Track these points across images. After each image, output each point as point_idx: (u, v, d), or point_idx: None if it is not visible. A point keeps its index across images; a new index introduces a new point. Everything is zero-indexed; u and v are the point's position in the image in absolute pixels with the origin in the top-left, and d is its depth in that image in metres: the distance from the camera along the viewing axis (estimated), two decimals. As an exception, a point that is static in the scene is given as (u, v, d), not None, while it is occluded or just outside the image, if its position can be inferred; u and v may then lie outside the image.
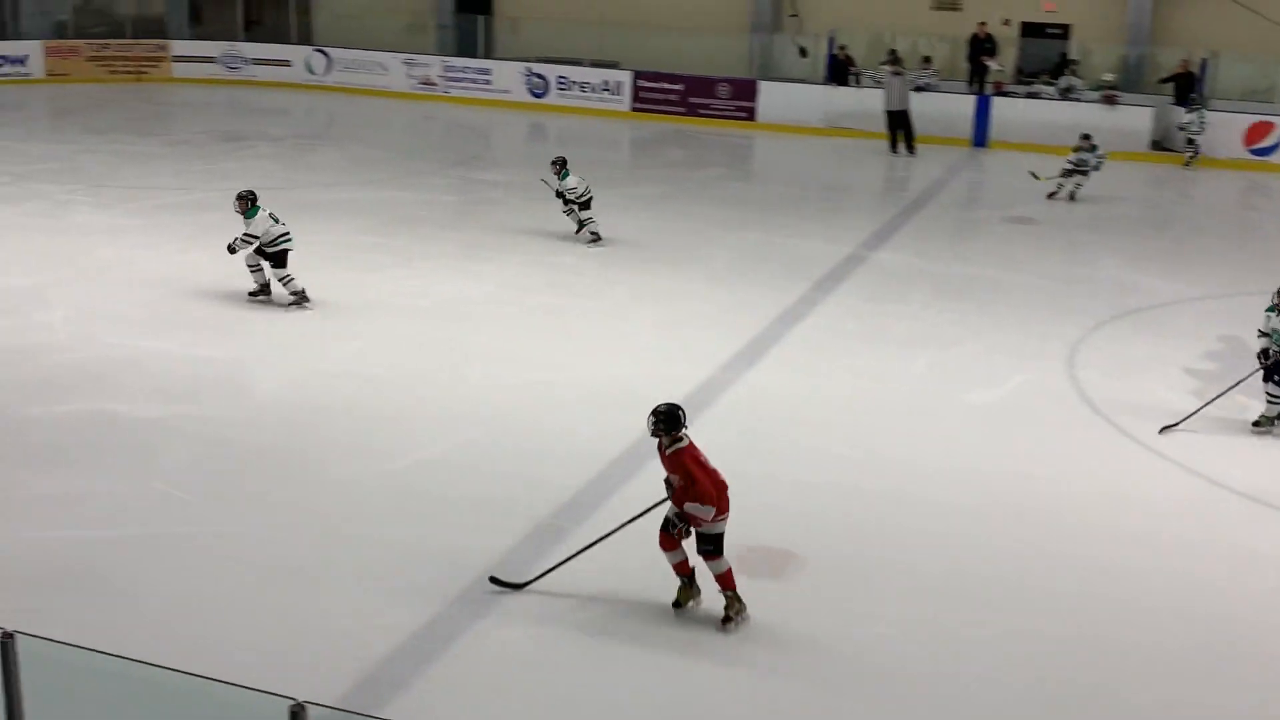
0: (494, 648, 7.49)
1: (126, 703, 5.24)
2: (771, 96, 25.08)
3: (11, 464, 9.79)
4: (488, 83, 26.52)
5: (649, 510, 7.93)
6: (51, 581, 8.01)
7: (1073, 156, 19.67)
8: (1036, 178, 19.56)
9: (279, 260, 13.54)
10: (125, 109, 24.80)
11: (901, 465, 10.23)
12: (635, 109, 25.75)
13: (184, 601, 7.83)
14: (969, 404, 11.64)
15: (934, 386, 12.02)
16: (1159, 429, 10.95)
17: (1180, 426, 10.95)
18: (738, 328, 13.40)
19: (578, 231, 16.58)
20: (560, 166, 16.24)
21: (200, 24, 29.71)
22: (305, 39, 29.01)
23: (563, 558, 8.05)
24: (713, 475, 7.54)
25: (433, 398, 11.45)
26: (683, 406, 7.77)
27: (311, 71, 27.60)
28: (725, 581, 7.73)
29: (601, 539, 8.01)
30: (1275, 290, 11.10)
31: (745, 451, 10.10)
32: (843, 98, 24.48)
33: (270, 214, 13.51)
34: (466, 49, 27.94)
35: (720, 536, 7.65)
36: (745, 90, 25.25)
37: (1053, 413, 11.40)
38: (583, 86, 25.97)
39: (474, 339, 12.97)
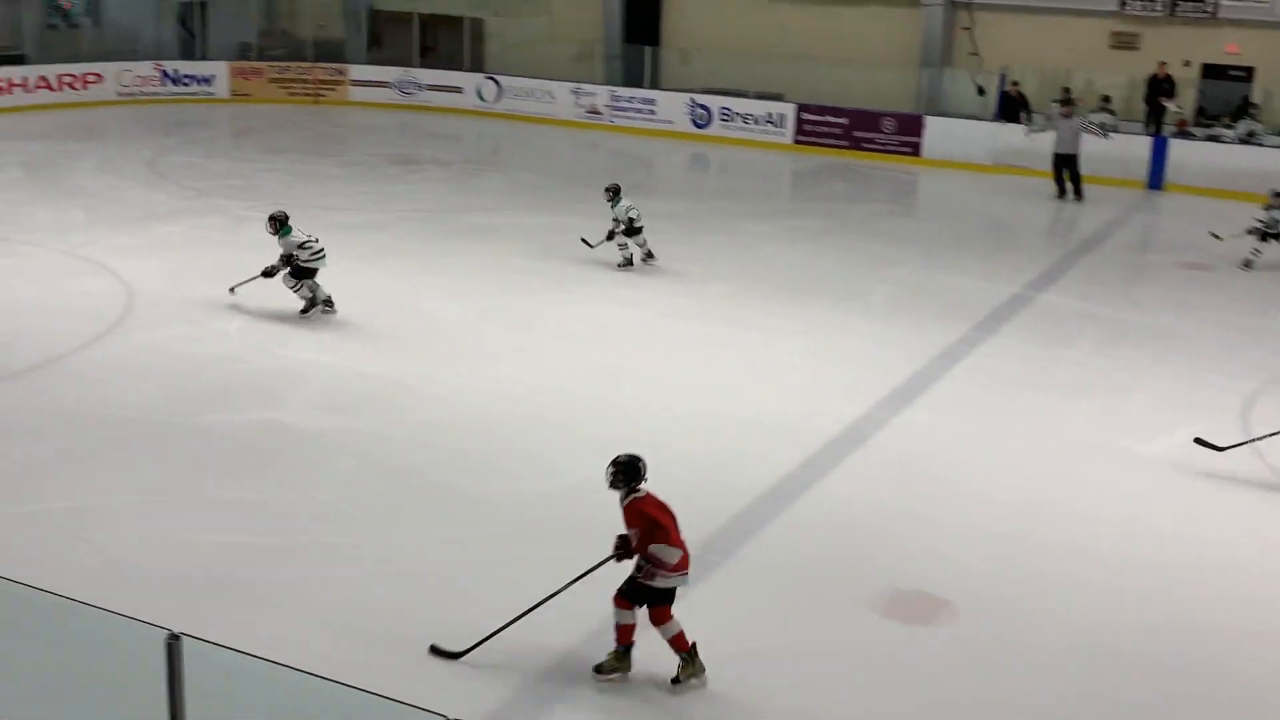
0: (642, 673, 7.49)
1: (283, 709, 5.38)
2: (938, 132, 24.74)
3: (189, 468, 10.18)
4: (652, 112, 26.76)
5: (594, 569, 7.49)
6: (219, 585, 8.30)
7: (1263, 215, 17.75)
8: (1218, 238, 18.36)
9: (308, 274, 13.95)
10: (303, 130, 25.73)
11: (1063, 514, 9.92)
12: (798, 141, 25.67)
13: (342, 611, 8.02)
14: (1137, 454, 11.23)
15: (1100, 435, 11.64)
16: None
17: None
18: (895, 365, 13.20)
19: (623, 265, 16.41)
20: (613, 195, 16.28)
21: (377, 50, 30.67)
22: (477, 66, 29.72)
23: (503, 623, 7.50)
24: (675, 526, 7.26)
25: (586, 422, 11.54)
26: (643, 458, 7.44)
27: (482, 98, 28.25)
28: (678, 644, 7.32)
29: (545, 600, 7.53)
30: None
31: (898, 491, 9.93)
32: (1012, 135, 24.01)
33: (304, 233, 13.99)
34: (633, 79, 28.26)
35: (673, 592, 7.30)
36: (911, 125, 24.96)
37: (1225, 469, 10.92)
38: (745, 118, 26.02)
39: (628, 365, 13.05)
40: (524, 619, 7.48)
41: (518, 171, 23.16)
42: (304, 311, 14.10)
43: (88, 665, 5.66)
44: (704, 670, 7.35)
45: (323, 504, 9.69)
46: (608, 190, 16.39)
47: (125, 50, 28.82)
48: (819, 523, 9.61)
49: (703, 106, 26.41)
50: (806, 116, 25.73)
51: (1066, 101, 22.58)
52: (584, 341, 13.77)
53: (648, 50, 28.27)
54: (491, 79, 28.51)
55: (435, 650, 7.57)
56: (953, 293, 16.11)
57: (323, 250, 14.02)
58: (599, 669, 7.40)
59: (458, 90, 28.54)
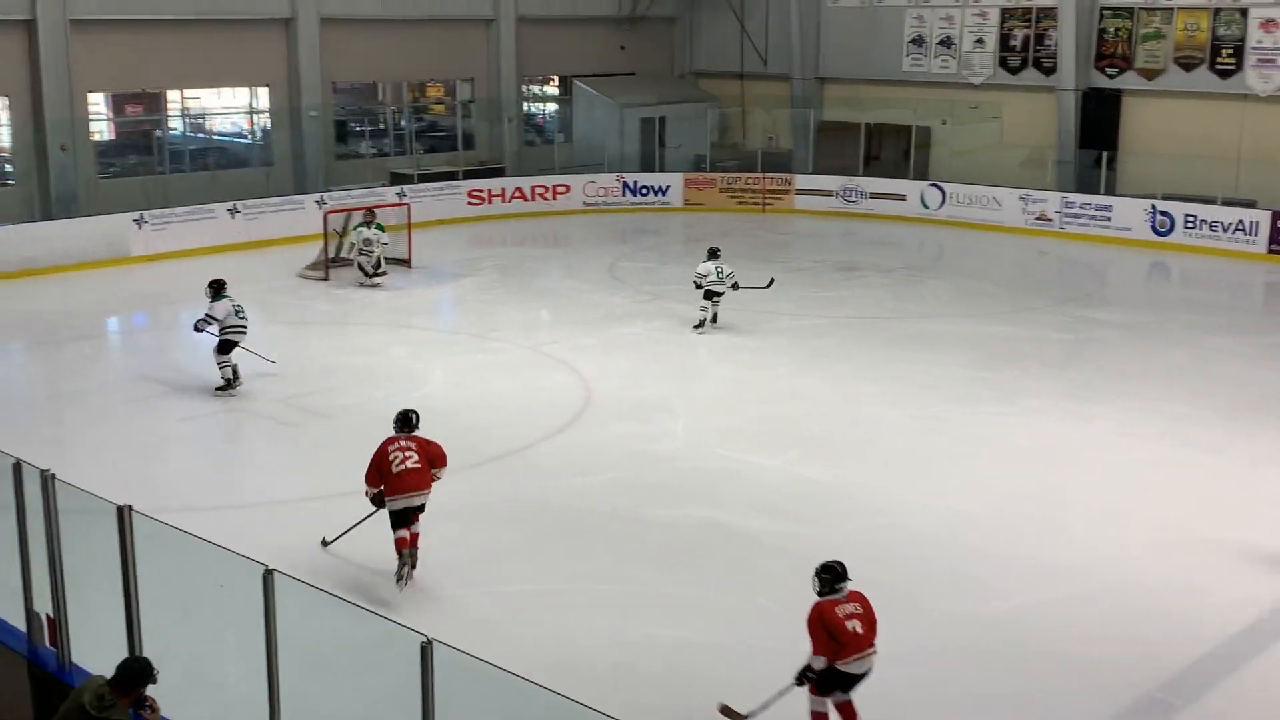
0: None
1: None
2: None
3: (634, 561, 10.61)
4: (1107, 219, 25.62)
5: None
6: (662, 680, 8.51)
7: None
8: None
9: (225, 348, 15.05)
10: (750, 237, 26.57)
11: None
12: (1272, 251, 23.69)
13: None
14: None
15: None
16: None
17: None
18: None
19: (700, 325, 18.25)
20: (711, 255, 18.46)
21: (823, 159, 31.32)
22: (921, 174, 29.66)
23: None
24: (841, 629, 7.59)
25: (1030, 543, 11.03)
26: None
27: (925, 205, 28.12)
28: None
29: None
30: None
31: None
32: None
33: (235, 305, 15.09)
34: (1086, 184, 27.21)
35: (846, 677, 7.62)
36: None
37: None
38: (1213, 225, 24.33)
39: (1075, 487, 12.37)
40: None
41: (961, 279, 22.77)
42: (220, 389, 15.13)
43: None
44: None
45: (759, 606, 9.77)
46: (710, 250, 18.62)
47: (591, 164, 31.11)
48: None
49: (1164, 213, 24.97)
50: (1283, 224, 23.73)
51: None
52: (1029, 457, 13.22)
53: (1104, 155, 27.16)
54: (936, 186, 28.34)
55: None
56: None
57: (244, 326, 15.24)
58: None
59: (901, 198, 28.58)
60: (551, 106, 33.86)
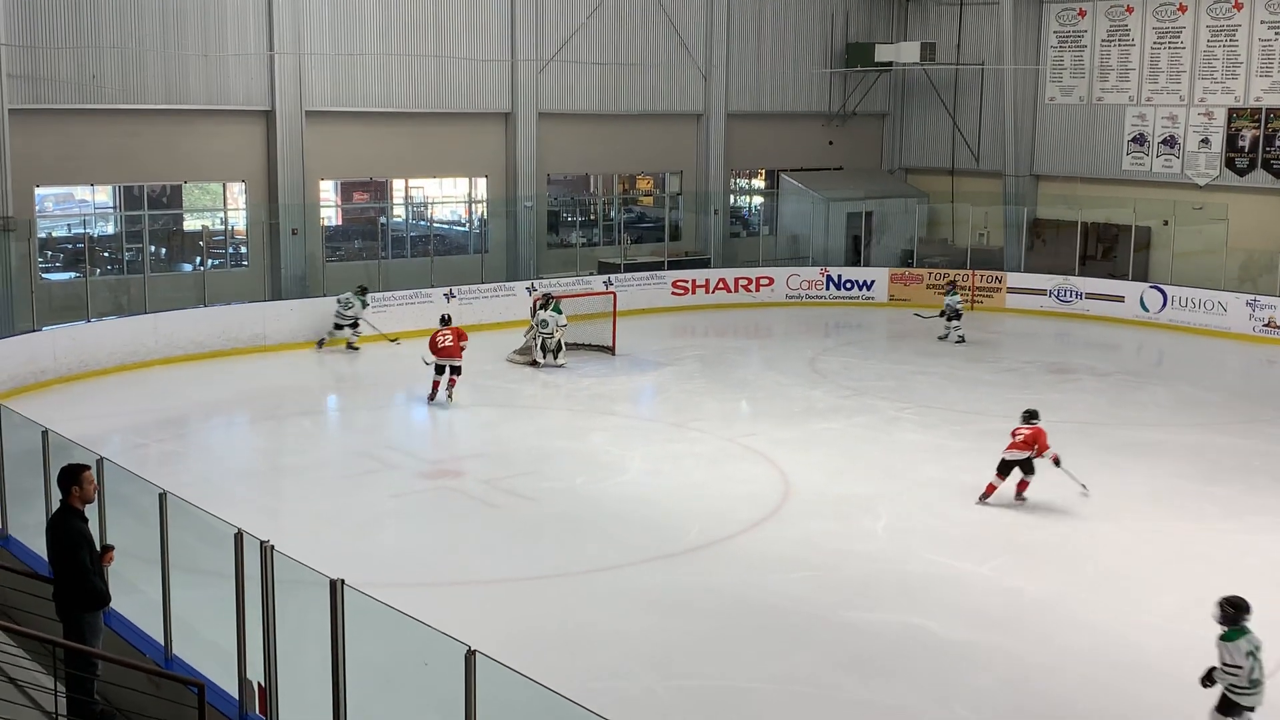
0: None
1: None
2: None
3: (829, 662, 10.35)
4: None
5: None
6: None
7: None
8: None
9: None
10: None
11: None
12: None
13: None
14: None
15: None
16: None
17: None
18: None
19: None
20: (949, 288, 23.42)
21: (1036, 258, 30.57)
22: (1141, 275, 28.64)
23: None
24: None
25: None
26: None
27: (1145, 308, 27.11)
28: None
29: None
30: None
31: None
32: None
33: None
34: (1320, 291, 25.82)
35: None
36: None
37: None
38: None
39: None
40: None
41: (1183, 385, 21.75)
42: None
43: None
44: None
45: (959, 718, 9.37)
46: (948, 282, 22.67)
47: (796, 256, 31.12)
48: None
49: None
50: None
51: None
52: (1260, 579, 12.38)
53: (1339, 261, 25.75)
54: (1156, 288, 27.31)
55: None
56: None
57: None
58: None
59: (1119, 299, 27.63)
60: (758, 199, 34.12)
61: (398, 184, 27.82)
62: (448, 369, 18.95)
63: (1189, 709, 9.60)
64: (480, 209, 28.55)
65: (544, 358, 21.92)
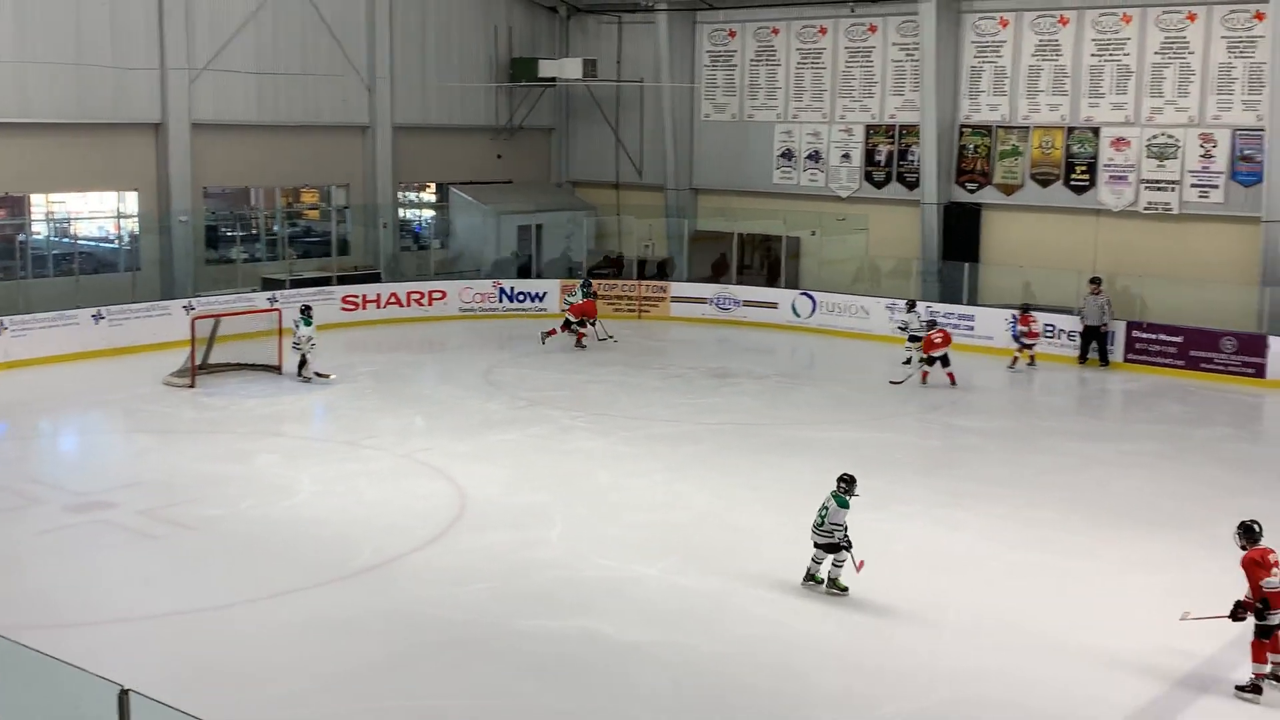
0: None
1: None
2: (1285, 353, 23.21)
3: (511, 674, 10.39)
4: (970, 328, 26.40)
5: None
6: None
7: None
8: None
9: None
10: (627, 344, 26.74)
11: None
12: (1127, 360, 24.62)
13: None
14: None
15: None
16: None
17: None
18: (1250, 604, 12.11)
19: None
20: (910, 305, 24.13)
21: (697, 268, 31.82)
22: (792, 283, 30.32)
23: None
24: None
25: (908, 650, 11.10)
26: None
27: (796, 314, 28.68)
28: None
29: None
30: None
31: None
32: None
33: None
34: (950, 295, 28.08)
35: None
36: (1254, 345, 23.53)
37: None
38: (1070, 335, 25.23)
39: (950, 592, 12.53)
40: None
41: (832, 385, 23.17)
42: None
43: None
44: None
45: (635, 718, 9.62)
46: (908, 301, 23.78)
47: (468, 270, 31.10)
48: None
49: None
50: (1137, 334, 24.72)
51: None
52: (906, 564, 13.36)
53: (966, 266, 28.10)
54: (807, 295, 28.96)
55: None
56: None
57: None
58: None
59: (773, 306, 29.11)
60: (428, 213, 33.90)
61: (37, 199, 25.92)
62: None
63: (846, 680, 10.27)
64: (131, 224, 27.02)
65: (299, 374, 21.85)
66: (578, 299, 26.30)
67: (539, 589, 12.41)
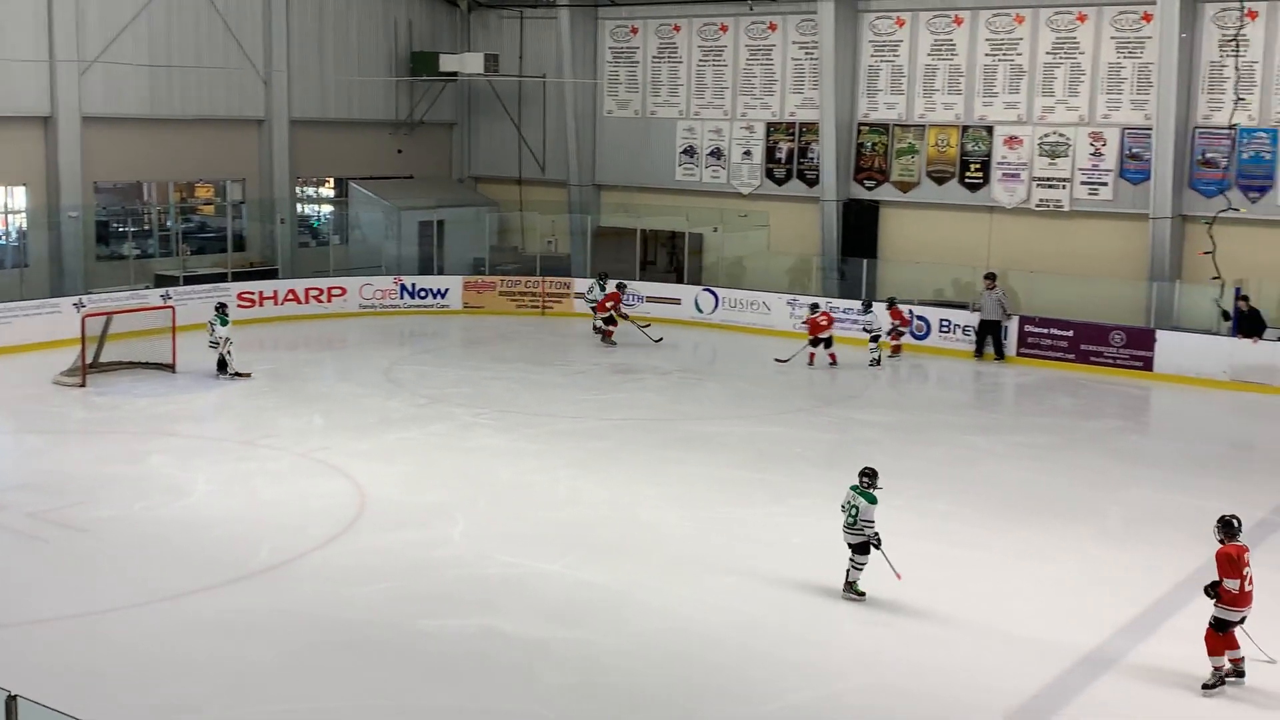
0: None
1: None
2: (1171, 346, 23.91)
3: (409, 674, 10.31)
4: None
5: None
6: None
7: None
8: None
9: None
10: (530, 340, 26.68)
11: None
12: (1020, 354, 25.18)
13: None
14: None
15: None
16: None
17: None
18: (1134, 592, 12.51)
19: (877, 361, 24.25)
20: (866, 308, 24.68)
21: (600, 264, 31.82)
22: (695, 279, 30.50)
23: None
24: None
25: (805, 642, 11.26)
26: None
27: (699, 309, 28.87)
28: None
29: None
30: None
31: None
32: (1250, 351, 23.01)
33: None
34: (848, 290, 28.46)
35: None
36: (1142, 339, 24.22)
37: None
38: (965, 329, 25.74)
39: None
40: None
41: (734, 381, 23.36)
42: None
43: None
44: None
45: (538, 716, 9.62)
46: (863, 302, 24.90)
47: (368, 266, 30.76)
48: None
49: (921, 318, 26.30)
50: (1029, 329, 25.29)
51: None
52: (805, 556, 13.53)
53: (865, 262, 28.50)
54: (709, 290, 29.15)
55: None
56: (1194, 515, 15.17)
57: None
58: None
59: (676, 301, 29.27)
60: (327, 208, 33.45)
61: (-82, 193, 25.12)
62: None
63: (746, 670, 10.38)
64: (19, 220, 26.27)
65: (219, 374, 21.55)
66: (598, 295, 26.69)
67: (440, 588, 12.34)
